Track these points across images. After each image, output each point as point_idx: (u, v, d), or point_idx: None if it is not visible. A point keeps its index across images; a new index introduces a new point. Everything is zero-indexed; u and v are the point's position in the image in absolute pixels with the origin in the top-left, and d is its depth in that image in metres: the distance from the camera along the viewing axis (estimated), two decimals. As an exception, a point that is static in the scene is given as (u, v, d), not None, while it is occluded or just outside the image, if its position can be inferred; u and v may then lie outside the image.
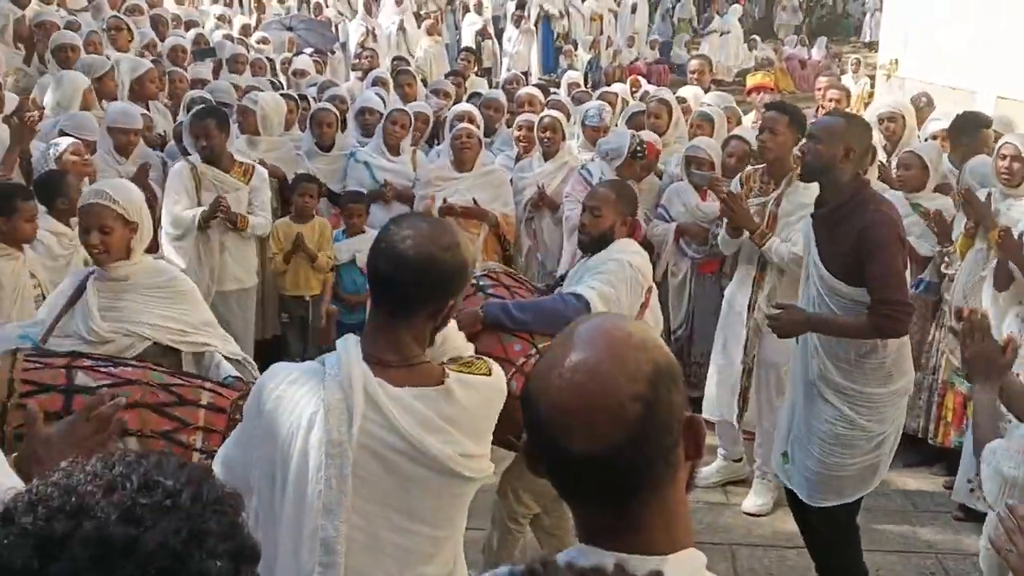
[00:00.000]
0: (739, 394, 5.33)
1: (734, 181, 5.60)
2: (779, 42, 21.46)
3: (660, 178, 6.80)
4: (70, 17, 9.29)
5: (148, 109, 7.33)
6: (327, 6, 16.59)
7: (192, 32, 10.98)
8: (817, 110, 8.48)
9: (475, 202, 6.36)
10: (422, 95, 8.97)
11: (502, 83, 10.75)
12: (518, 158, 7.11)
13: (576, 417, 1.32)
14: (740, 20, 21.28)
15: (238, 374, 3.72)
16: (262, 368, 6.07)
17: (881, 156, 6.68)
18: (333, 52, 13.72)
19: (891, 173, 6.26)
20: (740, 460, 5.65)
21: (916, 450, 5.89)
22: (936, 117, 7.61)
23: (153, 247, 5.88)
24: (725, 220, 5.33)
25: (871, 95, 13.13)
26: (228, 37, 11.08)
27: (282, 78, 10.04)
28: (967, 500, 5.13)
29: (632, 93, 9.69)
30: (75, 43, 7.73)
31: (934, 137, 6.79)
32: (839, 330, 4.12)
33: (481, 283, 4.33)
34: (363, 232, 6.39)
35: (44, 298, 4.17)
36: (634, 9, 20.68)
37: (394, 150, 6.86)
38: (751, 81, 11.28)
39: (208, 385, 3.41)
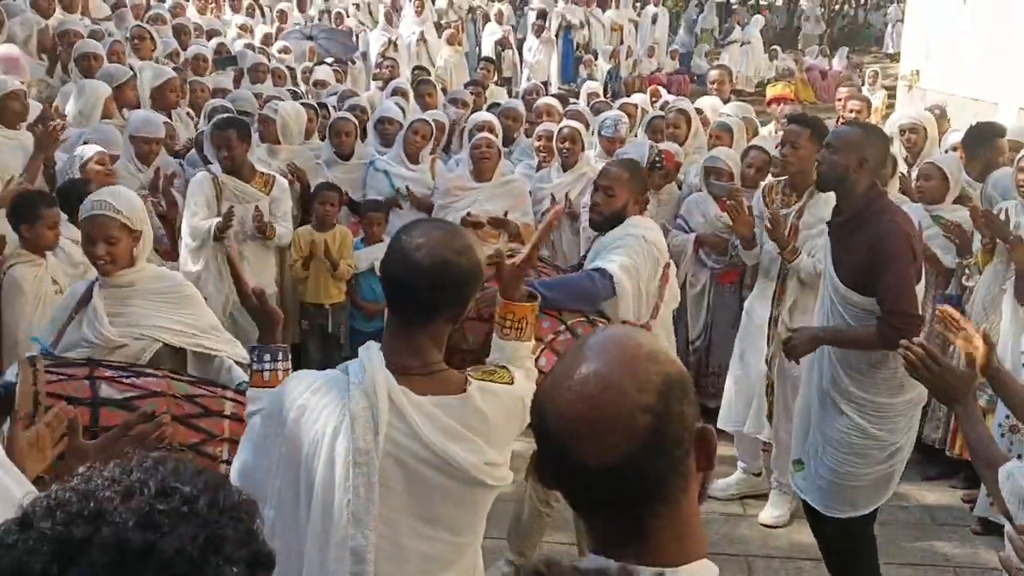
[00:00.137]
0: (766, 410, 5.27)
1: (756, 194, 5.59)
2: (800, 52, 21.41)
3: (680, 188, 6.80)
4: (94, 26, 9.36)
5: (170, 118, 7.37)
6: (348, 16, 16.66)
7: (214, 41, 11.05)
8: (837, 121, 8.45)
9: (505, 213, 6.37)
10: (442, 105, 8.99)
11: (521, 93, 10.78)
12: (538, 167, 7.11)
13: (586, 428, 1.32)
14: (761, 31, 21.24)
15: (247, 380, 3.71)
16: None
17: (902, 167, 6.65)
18: (354, 62, 13.76)
19: (911, 184, 6.24)
20: (759, 474, 5.62)
21: (935, 462, 5.86)
22: (956, 129, 7.57)
23: (174, 256, 5.95)
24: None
25: (890, 107, 13.08)
26: (249, 46, 11.14)
27: (303, 87, 10.08)
28: (988, 514, 5.09)
29: (652, 103, 9.68)
30: (98, 52, 7.79)
31: (954, 149, 6.76)
32: (848, 342, 4.12)
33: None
34: (382, 240, 6.41)
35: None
36: (654, 19, 20.72)
37: (414, 159, 6.88)
38: (771, 92, 11.25)
39: (228, 394, 3.39)
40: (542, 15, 18.58)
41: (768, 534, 5.25)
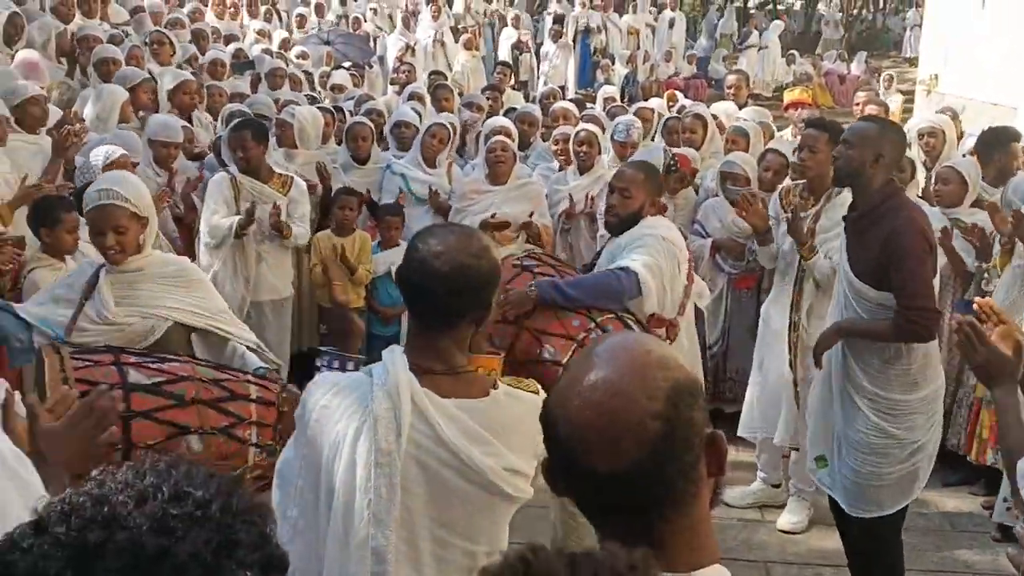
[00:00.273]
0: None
1: (773, 196, 5.58)
2: (818, 57, 21.34)
3: (696, 193, 6.79)
4: (112, 31, 9.41)
5: (191, 123, 7.41)
6: (365, 20, 16.71)
7: (232, 46, 11.10)
8: (856, 124, 8.42)
9: (531, 215, 6.40)
10: (457, 108, 9.00)
11: (538, 97, 10.79)
12: (560, 169, 7.12)
13: (596, 435, 1.33)
14: (780, 36, 21.18)
15: (265, 364, 3.70)
16: (297, 379, 6.13)
17: (920, 172, 6.63)
18: (371, 66, 13.82)
19: (929, 188, 6.21)
20: (778, 485, 5.58)
21: (956, 468, 5.82)
22: (973, 133, 7.53)
23: (191, 255, 5.98)
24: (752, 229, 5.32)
25: (908, 112, 13.03)
26: (267, 51, 11.19)
27: (320, 91, 10.12)
28: (1007, 519, 5.05)
29: (669, 107, 9.68)
30: (116, 57, 7.82)
31: (971, 153, 6.72)
32: (866, 333, 4.12)
33: (526, 263, 4.35)
34: (398, 244, 6.41)
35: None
36: (672, 24, 20.68)
37: (431, 163, 6.89)
38: (788, 97, 11.22)
39: (250, 378, 3.39)
40: (559, 20, 18.60)
41: (786, 540, 5.22)
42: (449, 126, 7.18)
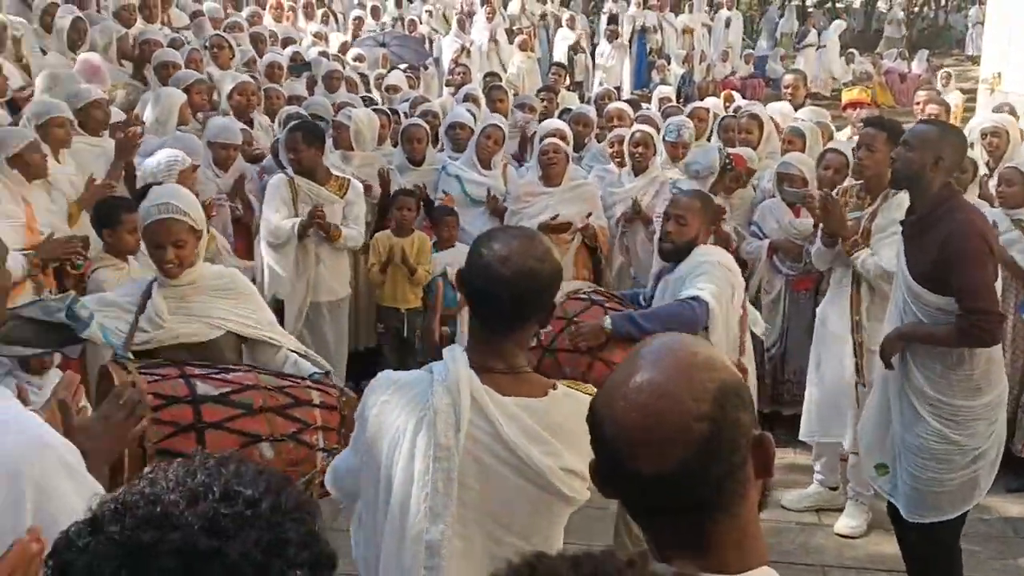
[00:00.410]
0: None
1: (832, 194, 5.50)
2: (878, 56, 21.04)
3: (754, 193, 6.74)
4: (173, 35, 9.56)
5: (251, 126, 7.50)
6: (421, 23, 16.80)
7: (289, 49, 11.21)
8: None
9: (588, 215, 6.39)
10: (510, 109, 9.01)
11: (593, 98, 10.76)
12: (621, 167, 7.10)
13: (642, 437, 1.33)
14: (840, 35, 20.91)
15: (318, 369, 3.72)
16: (354, 379, 6.18)
17: (983, 171, 6.51)
18: (426, 67, 13.88)
19: (990, 189, 6.10)
20: (836, 488, 5.52)
21: (1020, 473, 5.70)
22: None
23: (248, 255, 6.07)
24: (821, 229, 5.24)
25: (968, 110, 12.81)
26: (324, 54, 11.28)
27: (376, 93, 10.18)
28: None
29: (725, 108, 9.62)
30: (176, 60, 7.95)
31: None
32: (927, 338, 4.06)
33: (594, 298, 4.38)
34: (454, 245, 6.44)
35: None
36: (728, 23, 20.52)
37: (486, 164, 6.91)
38: (846, 96, 11.08)
39: (310, 383, 3.42)
40: (614, 20, 18.55)
41: (844, 544, 5.16)
42: (504, 128, 7.20)
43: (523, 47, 15.85)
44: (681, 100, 13.28)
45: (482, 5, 16.64)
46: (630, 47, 18.06)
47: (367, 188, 6.47)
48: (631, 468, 1.34)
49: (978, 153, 6.75)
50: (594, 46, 18.32)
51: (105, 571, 1.08)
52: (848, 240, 4.94)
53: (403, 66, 12.29)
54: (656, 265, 4.80)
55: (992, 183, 6.17)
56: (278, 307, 5.96)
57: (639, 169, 6.74)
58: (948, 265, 3.90)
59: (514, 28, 17.53)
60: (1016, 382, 5.37)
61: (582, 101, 11.89)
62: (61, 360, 4.38)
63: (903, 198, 4.38)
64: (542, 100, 9.53)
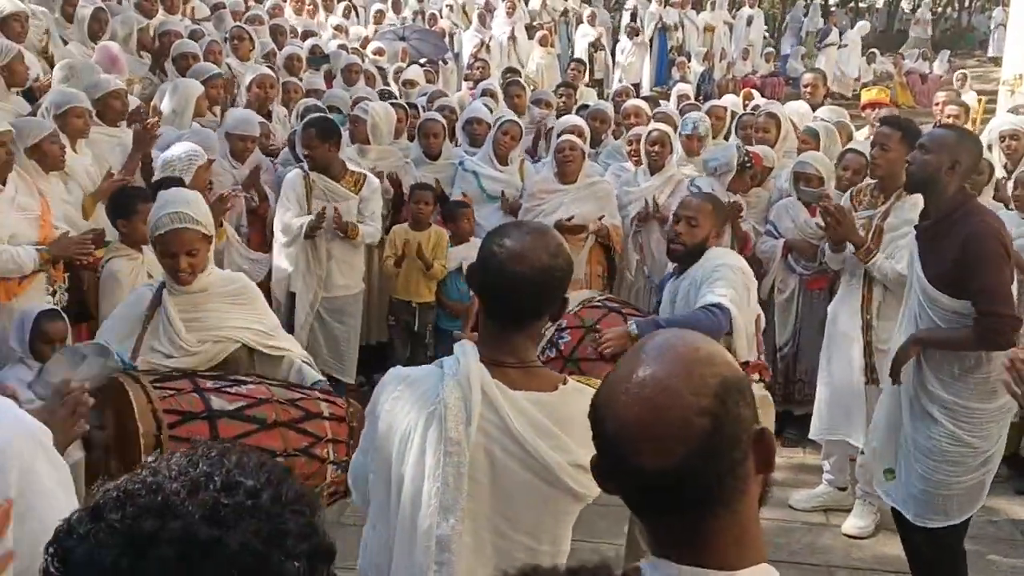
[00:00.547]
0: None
1: (844, 196, 5.51)
2: (899, 56, 20.91)
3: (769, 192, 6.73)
4: (193, 26, 9.60)
5: (269, 119, 7.53)
6: (441, 17, 16.79)
7: (309, 42, 11.24)
8: (935, 126, 8.26)
9: (600, 218, 6.39)
10: (527, 105, 9.02)
11: (611, 95, 10.74)
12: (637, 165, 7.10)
13: (643, 431, 1.33)
14: (864, 37, 20.75)
15: (322, 377, 3.73)
16: (365, 373, 6.19)
17: (1000, 174, 6.47)
18: (445, 62, 13.88)
19: (1008, 192, 6.06)
20: (845, 489, 5.50)
21: (1028, 476, 5.68)
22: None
23: (264, 248, 6.10)
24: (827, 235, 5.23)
25: (988, 112, 12.73)
26: (343, 47, 11.30)
27: (394, 87, 10.20)
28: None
29: (744, 106, 9.59)
30: (195, 52, 7.99)
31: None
32: (945, 342, 4.06)
33: (609, 305, 4.35)
34: (468, 240, 6.46)
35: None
36: (750, 21, 20.44)
37: (503, 160, 6.92)
38: (865, 96, 11.03)
39: (317, 395, 3.42)
40: (634, 17, 18.50)
41: (852, 545, 5.14)
42: (520, 123, 7.21)
43: (543, 43, 15.82)
44: (700, 98, 13.24)
45: (502, 0, 16.61)
46: (651, 44, 18.00)
47: (383, 179, 6.50)
48: (632, 463, 1.34)
49: (996, 155, 6.72)
50: (615, 43, 18.27)
51: (105, 559, 1.09)
52: (862, 248, 4.91)
53: (422, 60, 12.29)
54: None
55: (1009, 185, 6.13)
56: (290, 301, 6.02)
57: (655, 167, 6.73)
58: (966, 268, 3.89)
59: (534, 24, 17.50)
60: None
61: (601, 98, 11.87)
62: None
63: (916, 198, 4.37)
64: (561, 96, 9.53)
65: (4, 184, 4.82)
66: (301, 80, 9.06)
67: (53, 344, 4.28)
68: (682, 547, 1.36)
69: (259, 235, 6.32)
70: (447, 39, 15.61)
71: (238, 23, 10.36)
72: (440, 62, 13.29)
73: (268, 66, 8.72)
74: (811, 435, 5.44)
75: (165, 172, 5.46)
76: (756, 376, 4.14)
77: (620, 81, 15.25)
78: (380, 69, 10.79)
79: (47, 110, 5.58)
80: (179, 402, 3.09)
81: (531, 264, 2.26)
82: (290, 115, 7.99)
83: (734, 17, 20.67)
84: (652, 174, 6.75)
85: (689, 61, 17.47)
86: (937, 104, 8.91)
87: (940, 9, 28.50)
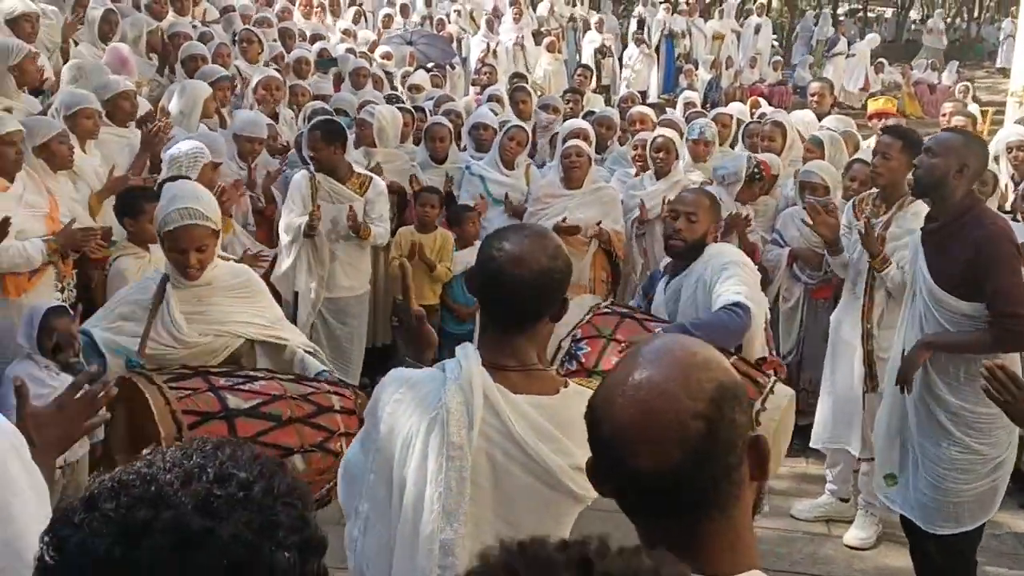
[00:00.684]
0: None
1: (847, 205, 5.51)
2: (908, 66, 20.91)
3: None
4: (203, 28, 9.63)
5: (277, 120, 7.56)
6: (449, 22, 16.84)
7: (317, 45, 11.27)
8: (941, 134, 8.25)
9: (598, 223, 6.39)
10: (534, 110, 9.04)
11: (617, 101, 10.77)
12: (637, 175, 7.12)
13: (639, 434, 1.34)
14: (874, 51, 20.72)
15: (326, 368, 3.71)
16: (370, 375, 6.19)
17: (1005, 183, 6.48)
18: (453, 66, 13.91)
19: (1016, 202, 6.07)
20: (847, 500, 5.49)
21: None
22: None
23: (268, 245, 6.13)
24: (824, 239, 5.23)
25: (995, 124, 12.73)
26: (351, 51, 11.34)
27: (402, 91, 10.23)
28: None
29: (751, 114, 9.60)
30: (204, 54, 8.02)
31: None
32: (957, 346, 4.04)
33: (619, 310, 4.25)
34: (474, 244, 6.46)
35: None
36: (757, 30, 20.46)
37: (509, 165, 6.95)
38: (872, 106, 11.01)
39: (327, 388, 3.40)
40: (642, 24, 18.54)
41: (853, 556, 5.13)
42: (527, 129, 7.24)
43: (550, 49, 15.86)
44: (708, 105, 13.26)
45: (510, 6, 16.66)
46: (657, 52, 18.02)
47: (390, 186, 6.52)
48: (628, 465, 1.35)
49: (1003, 166, 6.72)
50: (624, 49, 18.30)
51: (99, 548, 1.10)
52: (877, 258, 4.91)
53: (430, 65, 12.32)
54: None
55: (1016, 195, 6.15)
56: (295, 300, 6.03)
57: (661, 173, 6.74)
58: (979, 270, 3.89)
59: (542, 30, 17.55)
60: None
61: (608, 104, 11.90)
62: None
63: (919, 207, 4.36)
64: (567, 102, 9.55)
65: (12, 182, 4.84)
66: (309, 83, 9.09)
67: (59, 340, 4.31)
68: (677, 551, 1.36)
69: (266, 235, 6.34)
70: (455, 44, 15.65)
71: (247, 26, 10.39)
72: (447, 67, 13.33)
73: (276, 69, 8.76)
74: (812, 444, 5.44)
75: (172, 169, 5.48)
76: (772, 373, 4.07)
77: (628, 87, 15.30)
78: (387, 73, 10.82)
79: (57, 110, 5.61)
80: (196, 402, 3.07)
81: (530, 267, 2.26)
82: (297, 118, 8.02)
83: (742, 25, 20.70)
84: (658, 179, 6.76)
85: (696, 69, 17.50)
86: (944, 115, 8.91)
87: (949, 20, 28.48)
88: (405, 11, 16.87)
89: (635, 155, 7.20)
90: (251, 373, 3.38)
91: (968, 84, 14.74)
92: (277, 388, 3.25)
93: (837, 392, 5.28)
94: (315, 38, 12.10)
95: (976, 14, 30.74)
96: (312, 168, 5.99)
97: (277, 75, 8.10)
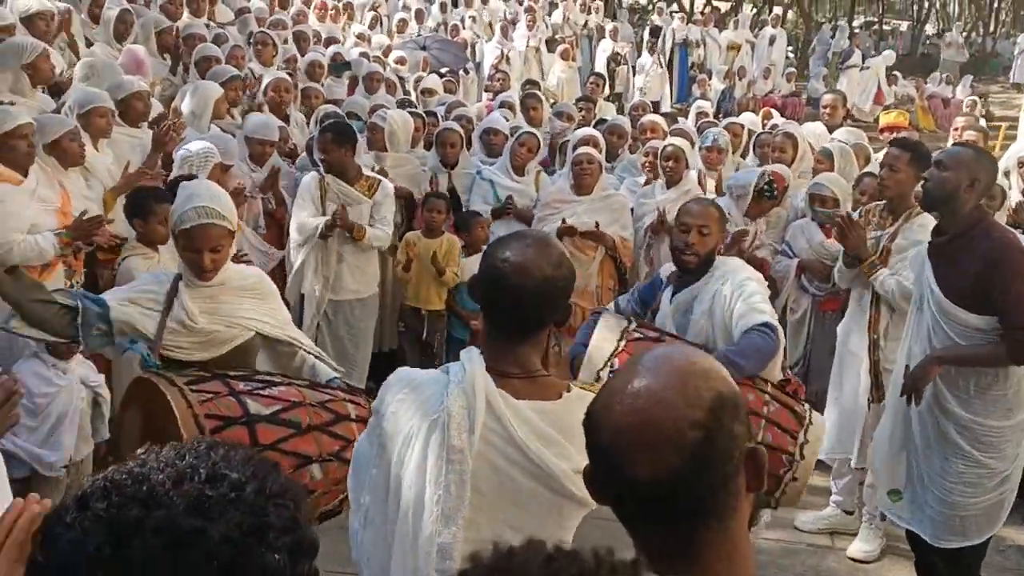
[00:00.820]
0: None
1: (853, 215, 5.49)
2: (921, 79, 20.85)
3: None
4: (217, 30, 9.67)
5: (287, 123, 7.58)
6: (464, 28, 16.87)
7: (331, 49, 11.30)
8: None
9: (597, 225, 6.38)
10: (548, 118, 9.05)
11: (628, 109, 10.78)
12: (646, 183, 7.12)
13: (637, 441, 1.35)
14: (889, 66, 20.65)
15: (336, 374, 3.71)
16: (376, 379, 6.19)
17: (1016, 199, 6.45)
18: (467, 71, 13.94)
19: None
20: (852, 513, 5.47)
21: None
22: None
23: (278, 246, 6.15)
24: (842, 250, 5.21)
25: (1008, 139, 12.69)
26: (364, 55, 11.37)
27: (414, 96, 10.26)
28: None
29: (763, 125, 9.60)
30: (218, 55, 8.05)
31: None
32: (969, 359, 4.03)
33: (650, 335, 4.06)
34: (482, 251, 6.45)
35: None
36: (772, 41, 20.43)
37: (519, 171, 6.96)
38: (884, 120, 10.98)
39: (342, 395, 3.40)
40: (655, 32, 18.54)
41: (857, 569, 5.11)
42: (539, 135, 7.24)
43: (564, 56, 15.88)
44: (720, 115, 13.25)
45: (524, 13, 16.69)
46: (670, 61, 18.02)
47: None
48: (626, 473, 1.36)
49: (1014, 180, 6.70)
50: (638, 58, 18.31)
51: (89, 546, 1.11)
52: (866, 261, 4.91)
53: (444, 70, 12.34)
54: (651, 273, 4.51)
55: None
56: (301, 301, 6.05)
57: (671, 182, 6.74)
58: (990, 282, 3.88)
59: (556, 37, 17.57)
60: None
61: (620, 112, 11.90)
62: (88, 352, 4.40)
63: (926, 219, 4.36)
64: (580, 110, 9.56)
65: (26, 176, 4.87)
66: (323, 86, 9.11)
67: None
68: (674, 560, 1.37)
69: (276, 237, 6.36)
70: (468, 50, 15.68)
71: (262, 28, 10.43)
72: (461, 72, 13.36)
73: (288, 72, 8.78)
74: (818, 456, 5.41)
75: (182, 168, 5.52)
76: (806, 402, 3.98)
77: (643, 94, 15.31)
78: (400, 78, 10.85)
79: (71, 109, 5.63)
80: (217, 406, 3.05)
81: (533, 276, 2.27)
82: (309, 120, 8.04)
83: (756, 36, 20.68)
84: (668, 188, 6.76)
85: (710, 79, 17.49)
86: (956, 129, 8.87)
87: (965, 34, 28.41)
88: (420, 16, 16.90)
89: (646, 163, 7.21)
90: (269, 378, 3.38)
91: (976, 98, 14.70)
92: (296, 394, 3.24)
93: (843, 404, 5.27)
94: (330, 41, 12.14)
95: (992, 29, 30.65)
96: (323, 170, 6.01)
97: (287, 77, 8.12)
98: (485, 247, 6.23)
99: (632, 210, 6.76)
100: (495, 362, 2.33)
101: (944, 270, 4.06)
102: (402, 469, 2.31)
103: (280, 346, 3.76)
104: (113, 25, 8.49)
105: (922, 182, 4.18)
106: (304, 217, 5.92)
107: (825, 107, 10.02)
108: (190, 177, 5.29)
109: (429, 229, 6.47)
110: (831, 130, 8.70)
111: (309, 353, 3.80)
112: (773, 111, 12.11)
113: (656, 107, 13.42)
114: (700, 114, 10.13)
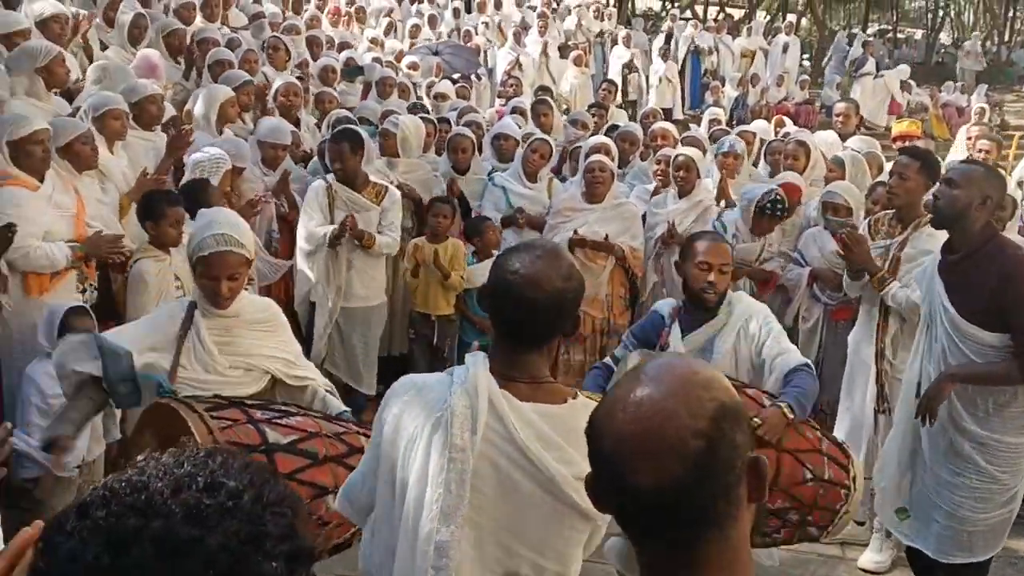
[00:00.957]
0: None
1: (862, 224, 5.49)
2: (936, 88, 20.78)
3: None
4: (231, 35, 9.69)
5: (298, 127, 7.60)
6: (476, 34, 16.90)
7: (344, 54, 11.33)
8: (965, 160, 8.20)
9: (606, 237, 6.38)
10: (560, 125, 9.06)
11: (639, 116, 10.78)
12: (655, 191, 7.12)
13: (640, 449, 1.35)
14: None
15: (346, 408, 3.69)
16: (386, 384, 6.19)
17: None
18: (479, 77, 13.96)
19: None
20: (863, 523, 5.45)
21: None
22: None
23: (292, 254, 6.15)
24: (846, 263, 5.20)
25: (1018, 147, 12.65)
26: (377, 60, 11.40)
27: (427, 101, 10.28)
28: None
29: (776, 133, 9.59)
30: (231, 60, 8.08)
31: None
32: (985, 377, 4.01)
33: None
34: (493, 255, 6.47)
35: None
36: (785, 48, 20.40)
37: (532, 177, 6.96)
38: (896, 128, 10.99)
39: (355, 428, 3.38)
40: (669, 39, 18.54)
41: (867, 580, 5.10)
42: (551, 142, 7.25)
43: (577, 63, 15.89)
44: (733, 123, 13.24)
45: (537, 19, 16.71)
46: (683, 67, 18.00)
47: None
48: (628, 481, 1.36)
49: (1025, 193, 6.69)
50: (651, 65, 18.30)
51: (87, 555, 1.11)
52: (876, 275, 4.89)
53: (456, 75, 12.37)
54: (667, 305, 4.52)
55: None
56: (311, 310, 6.06)
57: (683, 192, 6.74)
58: (1005, 299, 3.87)
59: (569, 43, 17.58)
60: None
61: (632, 119, 11.90)
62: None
63: (935, 229, 4.33)
64: (592, 116, 9.56)
65: (42, 182, 4.89)
66: (336, 90, 9.14)
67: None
68: (675, 570, 1.37)
69: (289, 240, 6.36)
70: (481, 56, 15.70)
71: (275, 33, 10.46)
72: (474, 77, 13.38)
73: (298, 76, 8.81)
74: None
75: (194, 173, 5.53)
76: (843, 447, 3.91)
77: (657, 101, 15.31)
78: (413, 83, 10.88)
79: (86, 112, 5.66)
80: (236, 434, 3.04)
81: (544, 289, 2.27)
82: (321, 125, 8.07)
83: (770, 43, 20.64)
84: (680, 198, 6.75)
85: (723, 86, 17.47)
86: (969, 138, 8.86)
87: (980, 43, 28.31)
88: (433, 22, 16.94)
89: (658, 171, 7.21)
90: (285, 408, 3.37)
91: (986, 106, 14.64)
92: (312, 425, 3.23)
93: (854, 412, 5.25)
94: (343, 46, 12.18)
95: (1007, 38, 30.57)
96: (331, 177, 6.02)
97: (297, 82, 8.15)
98: (497, 251, 6.31)
99: (644, 217, 6.76)
100: (502, 368, 2.34)
101: (957, 288, 4.05)
102: (407, 469, 2.32)
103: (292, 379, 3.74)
104: (127, 29, 8.52)
105: (933, 199, 4.16)
106: (312, 226, 5.93)
107: (838, 115, 10.01)
108: (202, 180, 5.32)
109: (434, 234, 6.47)
110: (844, 138, 8.69)
111: (321, 387, 3.78)
112: (785, 119, 12.10)
113: (668, 114, 13.40)
114: (713, 121, 10.13)
